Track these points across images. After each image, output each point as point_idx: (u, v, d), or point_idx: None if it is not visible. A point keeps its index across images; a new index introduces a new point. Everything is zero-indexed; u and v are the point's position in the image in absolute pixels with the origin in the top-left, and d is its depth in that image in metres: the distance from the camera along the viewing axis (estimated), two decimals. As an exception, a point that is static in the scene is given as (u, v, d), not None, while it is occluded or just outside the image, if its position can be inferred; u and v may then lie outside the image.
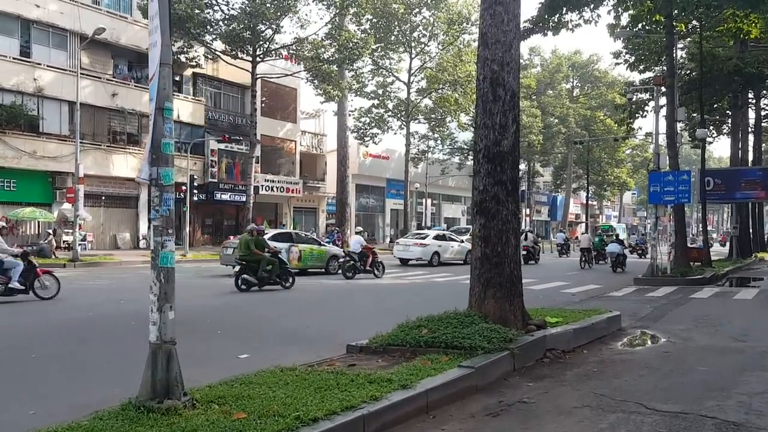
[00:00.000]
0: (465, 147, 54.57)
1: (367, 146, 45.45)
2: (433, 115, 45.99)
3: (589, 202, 69.82)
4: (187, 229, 29.11)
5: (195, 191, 33.60)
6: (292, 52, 32.22)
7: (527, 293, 15.19)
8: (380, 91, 42.26)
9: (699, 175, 24.38)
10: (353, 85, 39.36)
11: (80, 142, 28.74)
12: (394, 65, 42.74)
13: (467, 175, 53.25)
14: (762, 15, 17.52)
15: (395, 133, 43.58)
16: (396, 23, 39.67)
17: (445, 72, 40.45)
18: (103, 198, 31.12)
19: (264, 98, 38.92)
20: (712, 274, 18.83)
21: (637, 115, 24.47)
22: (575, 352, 7.70)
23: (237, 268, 14.79)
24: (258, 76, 31.05)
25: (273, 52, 31.46)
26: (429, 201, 48.75)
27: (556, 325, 8.11)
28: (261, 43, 30.37)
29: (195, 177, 30.26)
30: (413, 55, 41.97)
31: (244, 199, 33.68)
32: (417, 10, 39.75)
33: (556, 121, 56.80)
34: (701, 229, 26.65)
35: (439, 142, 49.17)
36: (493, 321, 7.31)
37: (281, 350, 7.63)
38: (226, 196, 35.22)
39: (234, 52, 30.20)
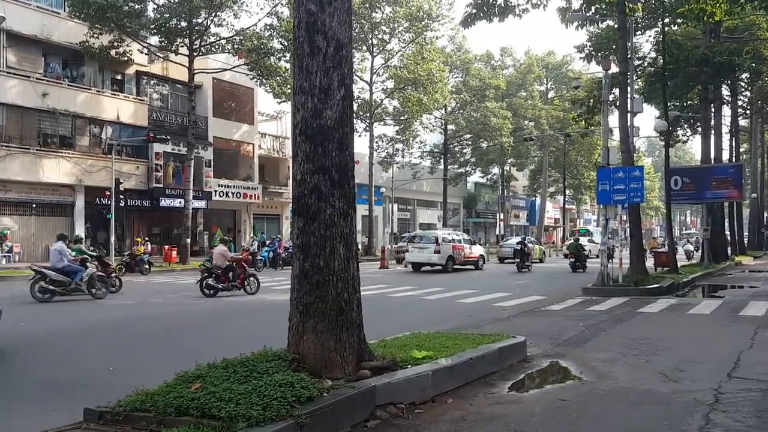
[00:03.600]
0: (436, 151, 52.74)
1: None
2: (402, 117, 44.05)
3: (567, 206, 68.42)
4: (112, 238, 26.82)
5: (136, 197, 31.45)
6: (237, 46, 30.01)
7: (454, 308, 13.49)
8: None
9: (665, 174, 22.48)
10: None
11: (5, 146, 26.70)
12: (356, 64, 40.77)
13: (441, 178, 51.67)
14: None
15: (360, 136, 41.30)
16: (354, 18, 37.70)
17: (406, 70, 38.49)
18: (34, 206, 28.77)
19: (218, 99, 36.76)
20: (670, 282, 16.80)
21: (596, 110, 22.52)
22: (434, 404, 5.58)
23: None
24: (196, 71, 28.88)
25: (213, 45, 29.29)
26: (395, 206, 46.68)
27: (420, 363, 6.01)
28: (198, 35, 28.22)
29: (121, 180, 27.87)
30: (375, 53, 40.04)
31: (197, 205, 31.52)
32: (377, 5, 37.78)
33: (532, 124, 55.01)
34: (681, 232, 24.81)
35: (407, 145, 47.10)
36: (312, 365, 5.21)
37: (21, 407, 5.48)
38: (173, 202, 32.89)
39: (170, 47, 28.01)
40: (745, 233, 42.64)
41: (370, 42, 39.36)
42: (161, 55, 29.54)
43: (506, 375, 6.85)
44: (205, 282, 15.57)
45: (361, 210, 48.42)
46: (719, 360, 7.45)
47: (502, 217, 60.75)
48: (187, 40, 28.24)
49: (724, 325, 10.59)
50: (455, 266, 25.87)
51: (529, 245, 27.86)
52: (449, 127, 51.46)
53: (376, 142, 44.31)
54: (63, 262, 14.48)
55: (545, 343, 8.87)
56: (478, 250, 28.49)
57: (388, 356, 5.82)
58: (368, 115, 40.41)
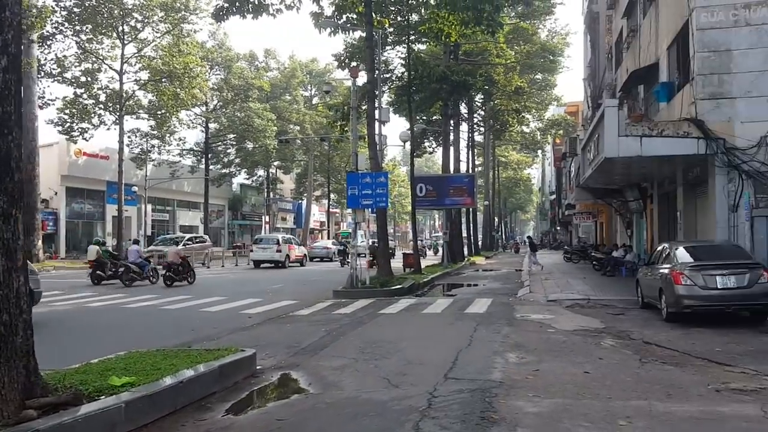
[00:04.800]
0: (197, 149, 50.25)
1: (76, 142, 38.68)
2: (159, 112, 40.95)
3: (332, 210, 70.57)
4: None
5: None
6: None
7: (195, 318, 12.56)
8: (84, 79, 35.97)
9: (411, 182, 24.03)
10: (47, 66, 32.89)
11: None
12: (106, 52, 36.92)
13: (202, 178, 49.27)
14: (452, 12, 17.12)
15: (108, 129, 37.51)
16: (103, 3, 34.13)
17: (161, 61, 35.96)
18: None
19: None
20: (412, 283, 17.88)
21: (351, 117, 23.25)
22: (129, 440, 4.81)
23: None
24: None
25: None
26: (150, 207, 43.36)
27: (118, 392, 5.15)
28: None
29: None
30: (126, 41, 36.71)
31: None
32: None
33: (297, 128, 55.42)
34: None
35: (164, 141, 43.97)
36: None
37: None
38: None
39: None
40: (480, 236, 47.94)
41: (120, 29, 36.07)
42: None
43: (228, 395, 6.28)
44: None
45: (112, 210, 44.21)
46: (439, 361, 7.78)
47: (268, 219, 60.26)
48: None
49: (451, 324, 11.31)
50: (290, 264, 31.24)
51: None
52: (211, 125, 49.48)
53: (129, 137, 40.74)
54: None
55: (282, 353, 8.52)
56: (302, 251, 34.69)
57: (70, 389, 4.85)
58: (118, 106, 36.93)
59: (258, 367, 7.40)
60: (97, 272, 20.55)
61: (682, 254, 11.08)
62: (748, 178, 13.35)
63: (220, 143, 52.08)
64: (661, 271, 11.30)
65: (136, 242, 23.03)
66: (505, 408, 5.59)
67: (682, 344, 8.69)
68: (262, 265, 30.87)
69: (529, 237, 47.21)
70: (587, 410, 5.47)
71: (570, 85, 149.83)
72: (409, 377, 6.98)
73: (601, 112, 15.06)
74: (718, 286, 10.17)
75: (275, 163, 56.34)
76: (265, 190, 60.41)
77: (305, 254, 34.67)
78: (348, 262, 26.36)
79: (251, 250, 32.26)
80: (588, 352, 8.29)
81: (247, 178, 58.77)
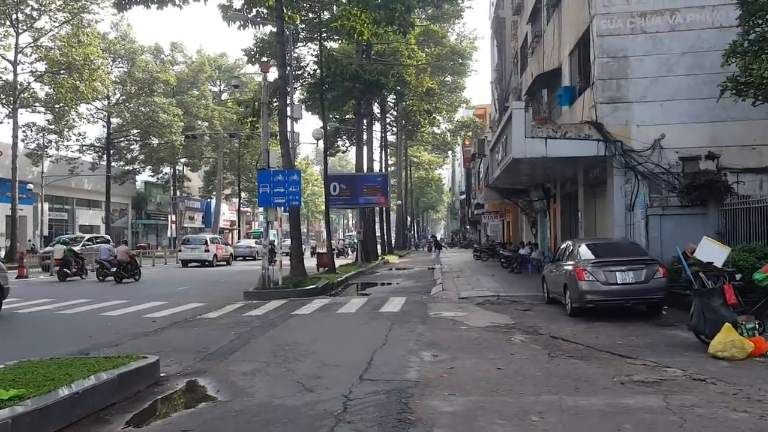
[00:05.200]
0: (98, 145, 47.49)
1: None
2: (57, 106, 38.32)
3: (243, 209, 68.81)
4: None
5: None
6: None
7: (94, 323, 11.81)
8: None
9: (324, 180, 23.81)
10: None
11: None
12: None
13: (104, 175, 46.52)
14: (364, 10, 17.09)
15: (1, 122, 34.87)
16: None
17: (58, 52, 33.77)
18: None
19: None
20: (326, 283, 17.69)
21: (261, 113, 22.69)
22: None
23: None
24: None
25: None
26: (46, 205, 40.61)
27: (4, 406, 4.66)
28: None
29: None
30: (20, 30, 34.20)
31: None
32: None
33: (206, 124, 53.67)
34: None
35: (62, 136, 41.24)
36: None
37: None
38: None
39: None
40: (393, 235, 48.38)
41: (15, 17, 33.56)
42: None
43: (128, 406, 5.88)
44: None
45: (5, 209, 41.02)
46: (355, 362, 7.66)
47: (174, 218, 57.98)
48: None
49: (365, 323, 11.23)
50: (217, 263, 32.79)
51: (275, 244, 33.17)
52: (113, 120, 47.01)
53: (24, 132, 38.10)
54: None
55: (188, 359, 8.11)
56: (229, 250, 36.37)
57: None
58: (12, 99, 34.31)
59: (162, 375, 7.00)
60: (64, 270, 22.26)
61: (584, 251, 11.56)
62: (643, 179, 14.14)
63: (123, 139, 49.59)
64: (566, 267, 11.74)
65: (108, 242, 26.19)
66: (421, 408, 5.55)
67: (586, 338, 9.04)
68: (189, 264, 32.52)
69: (433, 236, 48.20)
70: (501, 407, 5.52)
71: (478, 88, 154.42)
72: (323, 380, 6.81)
73: (508, 115, 15.48)
74: (618, 282, 10.68)
75: (182, 160, 54.34)
76: (172, 188, 58.14)
77: (231, 253, 36.27)
78: (275, 260, 28.09)
79: (180, 251, 34.31)
80: (500, 348, 8.44)
81: (152, 176, 56.21)
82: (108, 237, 37.32)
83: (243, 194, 60.57)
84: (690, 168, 14.05)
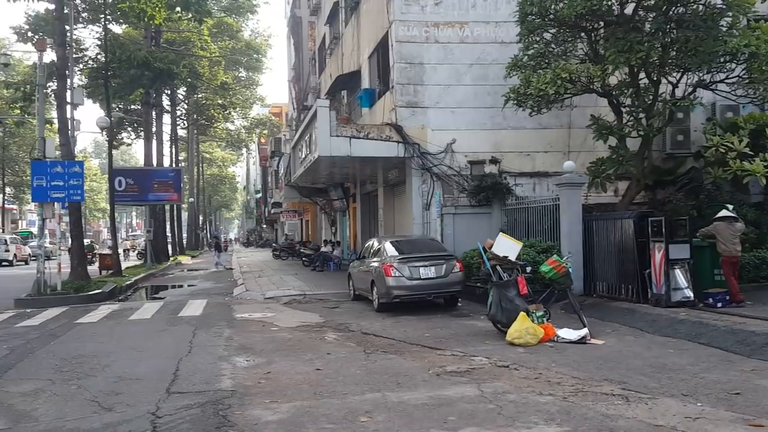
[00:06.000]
0: None
1: None
2: None
3: (8, 206, 59.87)
4: None
5: None
6: None
7: None
8: None
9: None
10: None
11: None
12: None
13: None
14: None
15: None
16: None
17: None
18: None
19: None
20: (113, 287, 16.03)
21: (34, 98, 19.80)
22: None
23: None
24: None
25: None
26: None
27: None
28: None
29: None
30: None
31: None
32: None
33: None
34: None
35: None
36: None
37: None
38: None
39: None
40: (185, 234, 45.82)
41: None
42: None
43: None
44: None
45: None
46: (158, 373, 6.95)
47: None
48: None
49: (164, 330, 10.33)
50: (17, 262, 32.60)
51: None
52: None
53: None
54: None
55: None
56: (28, 250, 34.81)
57: None
58: None
59: None
60: None
61: (390, 248, 11.92)
62: (438, 180, 15.06)
63: None
64: (372, 264, 12.01)
65: None
66: (242, 420, 5.16)
67: (396, 333, 9.29)
68: None
69: (215, 236, 45.50)
70: (327, 410, 5.35)
71: (275, 86, 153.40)
72: (123, 396, 6.04)
73: (313, 112, 15.45)
74: (422, 277, 11.19)
75: None
76: None
77: (29, 254, 34.63)
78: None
79: None
80: (315, 347, 8.29)
81: None
82: None
83: (8, 189, 52.91)
84: (477, 171, 15.31)
